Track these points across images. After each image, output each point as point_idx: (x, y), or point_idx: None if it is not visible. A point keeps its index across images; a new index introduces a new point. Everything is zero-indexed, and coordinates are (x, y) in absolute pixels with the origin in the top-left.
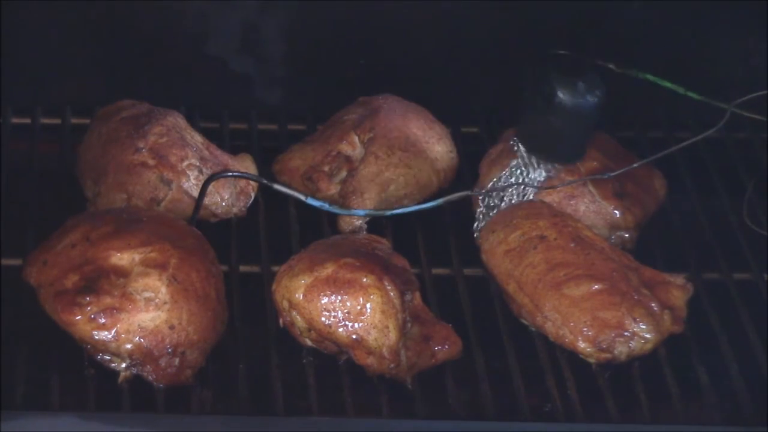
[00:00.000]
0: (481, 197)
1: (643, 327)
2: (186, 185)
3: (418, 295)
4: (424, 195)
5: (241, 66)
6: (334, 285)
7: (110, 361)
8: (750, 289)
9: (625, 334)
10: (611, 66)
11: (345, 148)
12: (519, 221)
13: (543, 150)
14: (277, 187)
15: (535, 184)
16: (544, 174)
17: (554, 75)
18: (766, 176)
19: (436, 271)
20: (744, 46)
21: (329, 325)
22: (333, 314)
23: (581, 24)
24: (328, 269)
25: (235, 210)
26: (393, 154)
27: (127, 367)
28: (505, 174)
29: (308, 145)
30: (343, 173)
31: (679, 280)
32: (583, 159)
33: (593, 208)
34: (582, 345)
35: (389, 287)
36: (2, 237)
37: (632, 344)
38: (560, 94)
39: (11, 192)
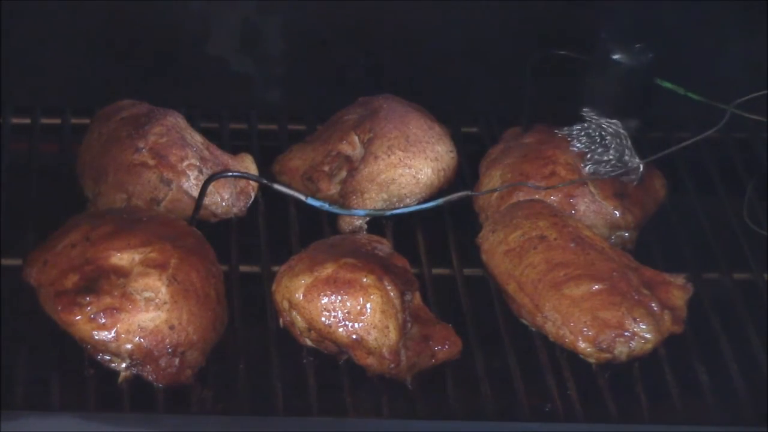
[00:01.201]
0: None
1: (643, 327)
2: (186, 185)
3: (418, 295)
4: (424, 195)
5: (241, 66)
6: (334, 285)
7: (110, 361)
8: (750, 289)
9: (626, 334)
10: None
11: (345, 148)
12: (519, 221)
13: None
14: (277, 187)
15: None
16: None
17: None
18: (766, 176)
19: (436, 271)
20: (744, 46)
21: (329, 325)
22: (333, 314)
23: (581, 24)
24: (328, 269)
25: (235, 210)
26: (393, 154)
27: (127, 367)
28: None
29: (308, 145)
30: (343, 173)
31: (679, 280)
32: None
33: (593, 208)
34: (582, 345)
35: (389, 287)
36: (2, 237)
37: (632, 344)
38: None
39: (11, 192)
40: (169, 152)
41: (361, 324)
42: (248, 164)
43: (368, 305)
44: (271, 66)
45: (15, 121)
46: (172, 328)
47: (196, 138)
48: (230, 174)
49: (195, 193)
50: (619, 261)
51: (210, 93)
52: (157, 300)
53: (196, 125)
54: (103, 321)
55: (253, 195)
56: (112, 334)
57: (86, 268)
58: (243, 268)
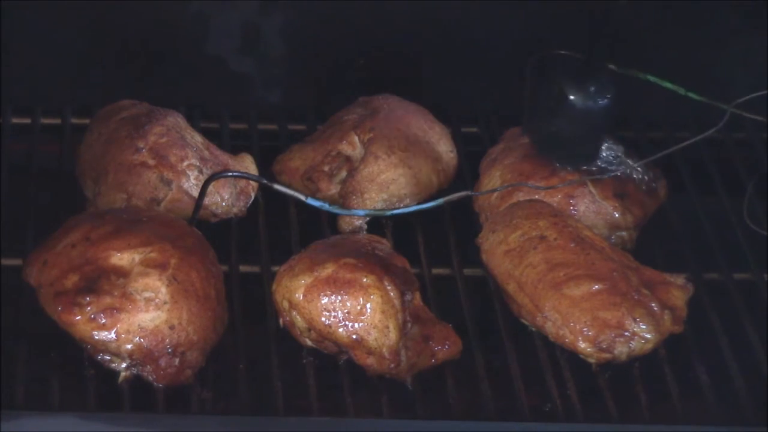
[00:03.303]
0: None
1: (643, 327)
2: (186, 185)
3: (418, 295)
4: (424, 195)
5: (241, 66)
6: (334, 285)
7: (110, 361)
8: (750, 289)
9: (625, 334)
10: (611, 66)
11: (345, 148)
12: (519, 221)
13: (554, 152)
14: (277, 187)
15: None
16: None
17: (564, 78)
18: (766, 176)
19: (436, 271)
20: (744, 46)
21: (329, 325)
22: (333, 314)
23: (581, 24)
24: (328, 269)
25: (235, 210)
26: (393, 154)
27: (127, 367)
28: None
29: (308, 145)
30: (343, 173)
31: (679, 280)
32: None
33: (593, 208)
34: (582, 345)
35: (389, 287)
36: (2, 237)
37: (632, 344)
38: (571, 97)
39: (11, 192)
40: (169, 152)
41: (361, 324)
42: (248, 164)
43: (368, 305)
44: (271, 66)
45: (15, 121)
46: (172, 328)
47: (196, 138)
48: (230, 174)
49: (195, 193)
50: (619, 261)
51: (210, 93)
52: (157, 300)
53: (196, 125)
54: (103, 321)
55: (253, 195)
56: (112, 334)
57: (86, 268)
58: (243, 268)
